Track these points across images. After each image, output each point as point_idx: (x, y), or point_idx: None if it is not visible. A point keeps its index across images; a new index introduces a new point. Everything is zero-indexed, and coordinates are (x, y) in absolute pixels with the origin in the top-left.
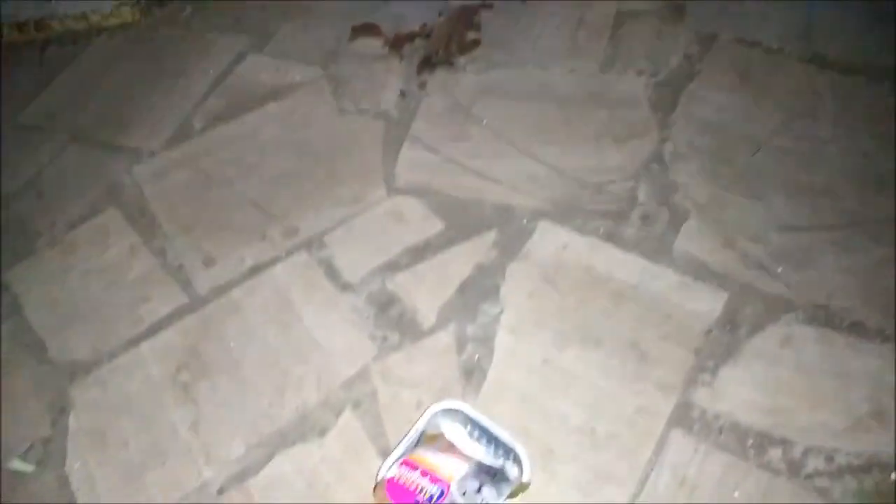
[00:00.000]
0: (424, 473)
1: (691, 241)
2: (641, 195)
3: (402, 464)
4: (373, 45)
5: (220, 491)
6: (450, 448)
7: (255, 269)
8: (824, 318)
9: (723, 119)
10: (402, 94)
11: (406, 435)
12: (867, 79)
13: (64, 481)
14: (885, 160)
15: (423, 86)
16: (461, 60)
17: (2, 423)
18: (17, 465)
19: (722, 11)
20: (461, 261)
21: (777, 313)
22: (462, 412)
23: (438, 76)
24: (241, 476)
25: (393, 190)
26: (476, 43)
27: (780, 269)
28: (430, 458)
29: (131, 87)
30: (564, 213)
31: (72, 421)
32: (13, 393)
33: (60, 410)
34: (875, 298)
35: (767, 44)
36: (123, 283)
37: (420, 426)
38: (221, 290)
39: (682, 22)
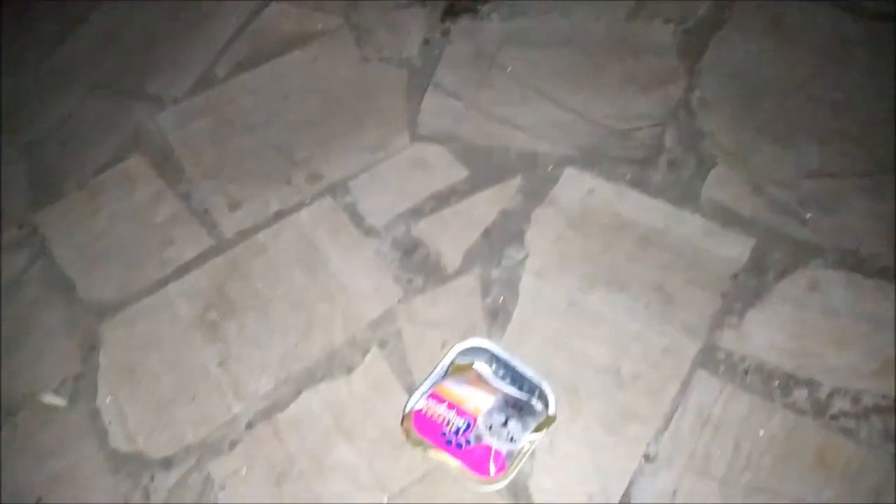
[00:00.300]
0: (451, 406)
1: (719, 187)
2: (668, 141)
3: (429, 396)
4: None
5: (249, 426)
6: (477, 381)
7: (280, 214)
8: (853, 263)
9: (752, 66)
10: (426, 41)
11: (433, 370)
12: None
13: (96, 415)
14: None
15: (446, 33)
16: (485, 8)
17: (34, 360)
18: (49, 399)
19: None
20: (486, 207)
21: (805, 258)
22: (487, 350)
23: (462, 24)
24: (270, 411)
25: (416, 137)
26: None
27: (808, 215)
28: (457, 391)
29: (154, 36)
30: (590, 160)
31: (102, 358)
32: (44, 331)
33: (90, 348)
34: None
35: None
36: (150, 226)
37: (446, 362)
38: (247, 233)
39: None
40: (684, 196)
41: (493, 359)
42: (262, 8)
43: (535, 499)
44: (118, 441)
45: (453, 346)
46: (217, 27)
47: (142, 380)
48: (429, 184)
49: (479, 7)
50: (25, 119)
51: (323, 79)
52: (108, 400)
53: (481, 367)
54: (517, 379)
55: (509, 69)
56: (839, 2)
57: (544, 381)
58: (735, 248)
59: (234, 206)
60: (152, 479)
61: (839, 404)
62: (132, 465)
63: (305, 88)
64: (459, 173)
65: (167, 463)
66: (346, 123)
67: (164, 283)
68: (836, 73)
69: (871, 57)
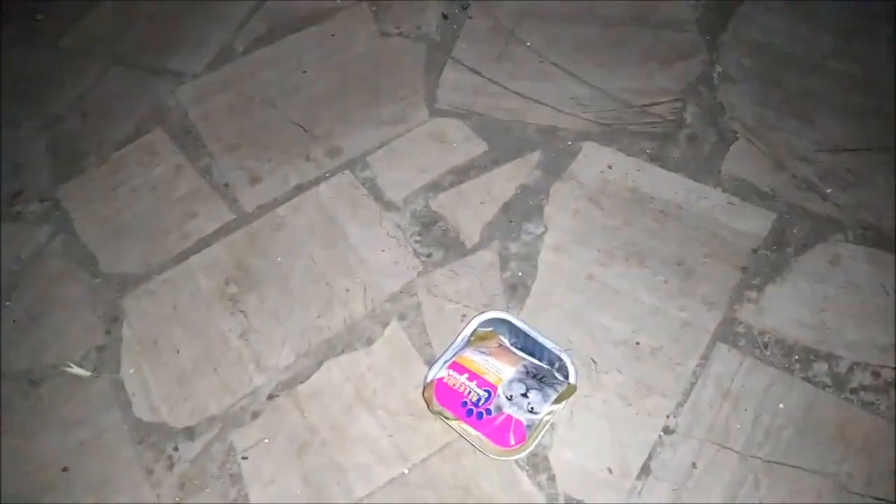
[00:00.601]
0: (472, 377)
1: (739, 162)
2: (688, 116)
3: (450, 366)
4: None
5: (271, 396)
6: (499, 350)
7: (300, 188)
8: (873, 238)
9: (773, 41)
10: (444, 16)
11: (454, 340)
12: None
13: (119, 386)
14: None
15: (464, 8)
16: None
17: (58, 333)
18: (74, 369)
19: None
20: (504, 181)
21: (826, 233)
22: (508, 321)
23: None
24: (291, 383)
25: (435, 111)
26: None
27: (829, 190)
28: (479, 361)
29: (173, 12)
30: (609, 135)
31: (125, 330)
32: (67, 304)
33: (113, 320)
34: None
35: None
36: (171, 200)
37: (467, 332)
38: (267, 207)
39: None
40: (704, 171)
41: (513, 330)
42: None
43: (555, 470)
44: (142, 411)
45: (473, 317)
46: (235, 3)
47: (164, 351)
48: (448, 158)
49: None
50: (46, 94)
51: (341, 53)
52: (131, 371)
53: (501, 338)
54: (537, 350)
55: (528, 44)
56: None
57: (563, 352)
58: (755, 223)
59: (254, 180)
60: (176, 448)
61: (859, 378)
62: (156, 434)
63: (324, 63)
64: (478, 147)
65: (190, 433)
66: (365, 98)
67: (185, 256)
68: (857, 48)
69: (892, 31)
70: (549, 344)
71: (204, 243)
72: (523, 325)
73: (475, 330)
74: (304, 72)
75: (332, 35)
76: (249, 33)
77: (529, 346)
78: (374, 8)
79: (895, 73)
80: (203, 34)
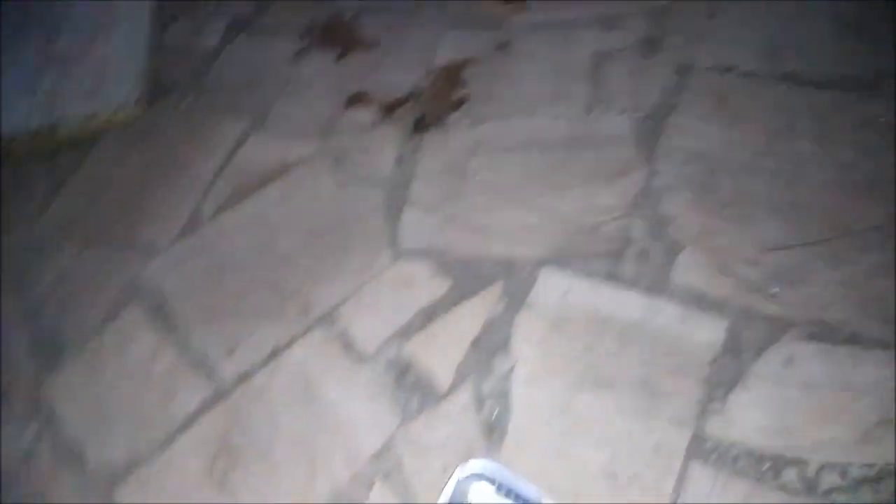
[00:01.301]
0: None
1: (688, 271)
2: (635, 232)
3: None
4: (366, 113)
5: None
6: None
7: (276, 352)
8: (822, 333)
9: (706, 147)
10: (399, 158)
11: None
12: (841, 91)
13: None
14: (865, 168)
15: (417, 149)
16: (452, 118)
17: None
18: None
19: (695, 39)
20: (471, 317)
21: (777, 333)
22: (485, 475)
23: (432, 137)
24: None
25: (399, 254)
26: (464, 100)
27: (776, 290)
28: None
29: (141, 183)
30: (564, 259)
31: None
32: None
33: None
34: (870, 307)
35: (742, 67)
36: (151, 382)
37: (447, 494)
38: (245, 375)
39: (658, 55)
40: (656, 284)
41: (493, 480)
42: (241, 143)
43: None
44: None
45: (453, 472)
46: (200, 168)
47: None
48: (415, 301)
49: (446, 119)
50: (24, 281)
51: (304, 207)
52: None
53: (483, 486)
54: (519, 497)
55: (477, 177)
56: (779, 75)
57: (545, 496)
58: (711, 333)
59: (230, 349)
60: None
61: (828, 480)
62: None
63: (289, 219)
64: (443, 286)
65: None
66: (331, 249)
67: (171, 438)
68: (784, 145)
69: (816, 123)
70: (530, 492)
71: (188, 422)
72: (503, 473)
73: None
74: (272, 230)
75: (295, 190)
76: (215, 197)
77: (512, 492)
78: (331, 158)
79: (819, 165)
80: (172, 203)
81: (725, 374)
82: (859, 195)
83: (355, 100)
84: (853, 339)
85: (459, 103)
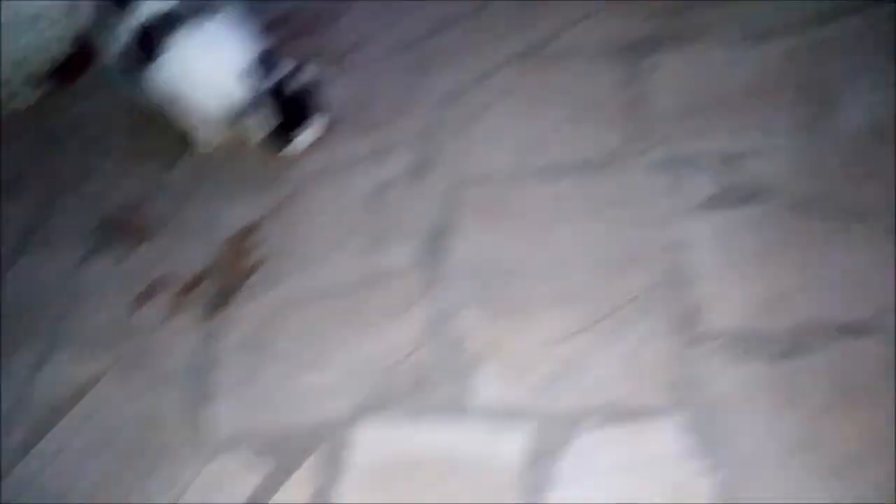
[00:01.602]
0: None
1: (487, 385)
2: (432, 360)
3: None
4: (157, 308)
5: None
6: None
7: None
8: (614, 414)
9: (486, 257)
10: (194, 350)
11: None
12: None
13: None
14: (623, 243)
15: (213, 332)
16: (247, 287)
17: None
18: None
19: (460, 153)
20: (300, 493)
21: (578, 426)
22: None
23: (229, 313)
24: None
25: (213, 451)
26: (257, 264)
27: (566, 382)
28: None
29: None
30: (372, 407)
31: None
32: None
33: None
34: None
35: (505, 170)
36: None
37: None
38: None
39: (431, 176)
40: (460, 408)
41: None
42: (34, 373)
43: None
44: None
45: None
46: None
47: None
48: (242, 492)
49: (241, 289)
50: None
51: (108, 428)
52: None
53: None
54: None
55: (278, 345)
56: (537, 168)
57: None
58: (515, 442)
59: None
60: None
61: None
62: None
63: (95, 443)
64: (266, 467)
65: None
66: (141, 469)
67: None
68: (550, 236)
69: (578, 205)
70: None
71: None
72: None
73: None
74: (79, 460)
75: (96, 411)
76: (14, 442)
77: None
78: (124, 370)
79: (581, 251)
80: None
81: (538, 479)
82: (621, 271)
83: (145, 296)
84: (639, 414)
85: (253, 270)
